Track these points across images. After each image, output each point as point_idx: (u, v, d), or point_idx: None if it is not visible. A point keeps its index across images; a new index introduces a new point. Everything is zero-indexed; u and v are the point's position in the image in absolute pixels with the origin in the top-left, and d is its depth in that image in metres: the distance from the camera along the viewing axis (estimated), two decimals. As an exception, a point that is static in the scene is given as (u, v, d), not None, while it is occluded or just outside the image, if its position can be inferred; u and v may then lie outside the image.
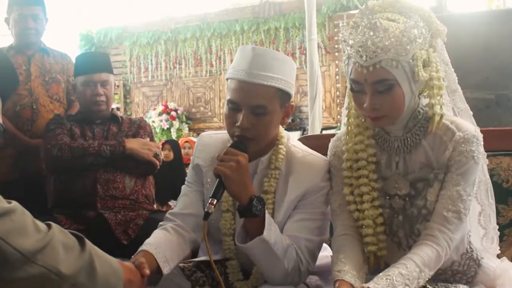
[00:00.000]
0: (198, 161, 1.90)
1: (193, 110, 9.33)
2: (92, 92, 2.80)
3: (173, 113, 9.00)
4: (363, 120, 1.69)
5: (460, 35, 2.92)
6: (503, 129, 2.25)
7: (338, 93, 8.35)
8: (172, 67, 9.35)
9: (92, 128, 2.85)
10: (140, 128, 2.93)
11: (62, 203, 2.76)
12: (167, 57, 9.36)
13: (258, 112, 1.69)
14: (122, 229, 2.66)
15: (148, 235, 1.83)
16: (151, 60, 9.41)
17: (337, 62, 8.22)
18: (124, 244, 2.60)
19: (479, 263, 1.71)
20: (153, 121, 8.93)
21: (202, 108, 9.30)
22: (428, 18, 1.60)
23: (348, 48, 1.56)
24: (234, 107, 1.71)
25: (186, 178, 1.99)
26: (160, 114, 8.88)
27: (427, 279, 1.51)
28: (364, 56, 1.51)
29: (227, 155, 1.66)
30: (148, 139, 2.90)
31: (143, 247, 1.72)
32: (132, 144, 2.79)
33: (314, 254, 1.79)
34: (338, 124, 7.64)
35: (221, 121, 9.02)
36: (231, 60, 8.72)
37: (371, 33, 1.50)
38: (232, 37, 8.83)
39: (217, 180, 1.65)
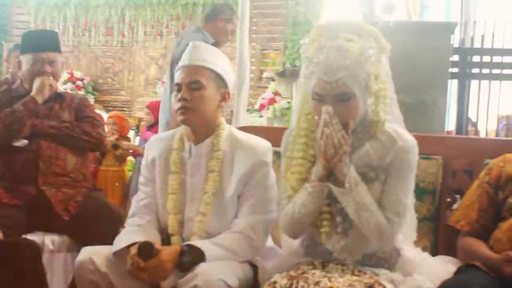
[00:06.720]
0: (152, 155, 2.31)
1: (100, 81, 9.31)
2: (39, 70, 2.93)
3: (79, 82, 8.96)
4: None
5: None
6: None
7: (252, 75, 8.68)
8: (80, 34, 9.26)
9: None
10: (83, 106, 3.09)
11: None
12: (76, 23, 9.22)
13: (194, 87, 2.17)
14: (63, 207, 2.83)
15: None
16: (59, 24, 9.25)
17: (253, 44, 8.50)
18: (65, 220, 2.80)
19: (399, 252, 2.06)
20: (56, 90, 8.78)
21: (110, 80, 9.31)
22: (377, 38, 1.99)
23: (313, 65, 1.93)
24: (177, 88, 2.20)
25: (140, 179, 2.33)
26: (65, 82, 8.81)
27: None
28: (328, 73, 1.89)
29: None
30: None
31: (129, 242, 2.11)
32: None
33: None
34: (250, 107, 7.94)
35: (129, 94, 9.13)
36: (145, 32, 8.90)
37: (335, 54, 1.89)
38: (147, 9, 8.89)
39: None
